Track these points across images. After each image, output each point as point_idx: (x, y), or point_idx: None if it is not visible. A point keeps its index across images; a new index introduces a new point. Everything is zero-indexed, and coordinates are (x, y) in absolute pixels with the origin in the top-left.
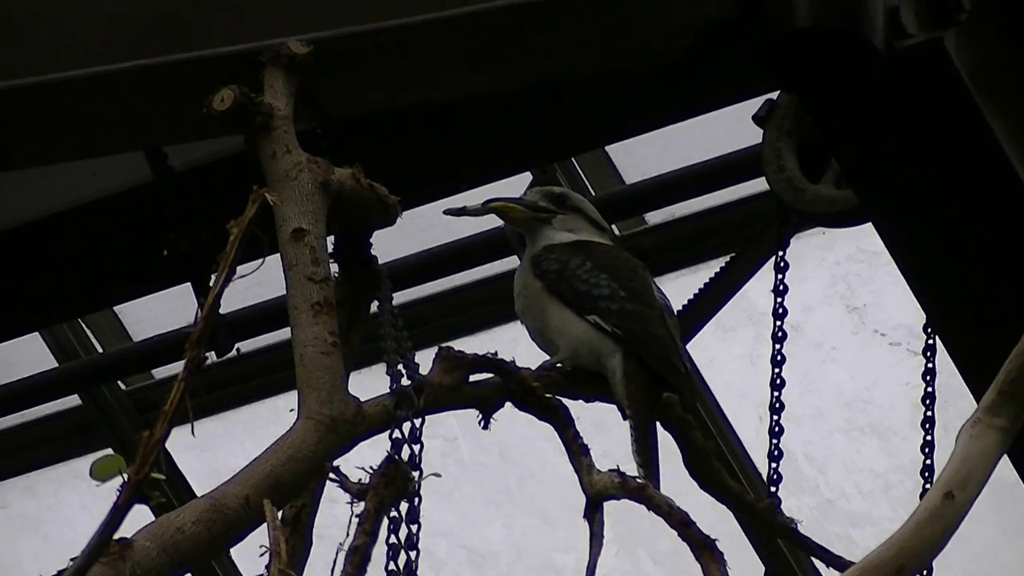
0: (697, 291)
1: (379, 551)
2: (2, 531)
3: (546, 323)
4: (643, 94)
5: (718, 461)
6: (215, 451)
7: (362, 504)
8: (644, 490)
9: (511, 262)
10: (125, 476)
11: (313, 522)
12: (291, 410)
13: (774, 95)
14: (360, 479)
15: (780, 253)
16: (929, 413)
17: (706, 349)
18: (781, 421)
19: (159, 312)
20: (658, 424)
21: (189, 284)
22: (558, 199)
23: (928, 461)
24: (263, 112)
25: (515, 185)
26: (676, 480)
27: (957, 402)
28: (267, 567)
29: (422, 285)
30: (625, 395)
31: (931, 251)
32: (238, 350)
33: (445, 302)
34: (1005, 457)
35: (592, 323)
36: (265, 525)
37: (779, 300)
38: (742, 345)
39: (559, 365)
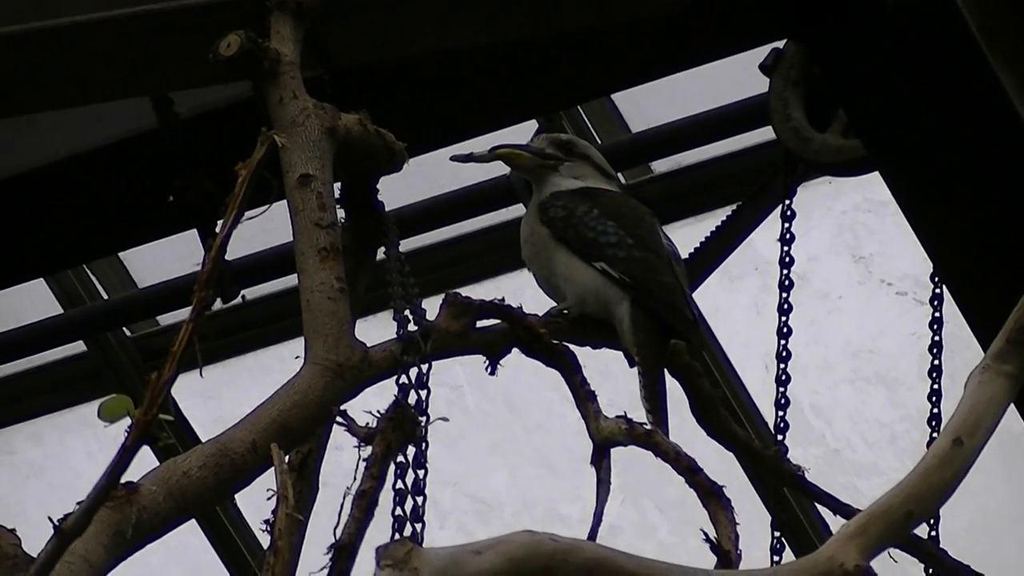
0: (703, 240)
1: (385, 497)
2: (7, 478)
3: (553, 270)
4: (649, 43)
5: (725, 409)
6: (220, 399)
7: (369, 448)
8: (651, 436)
9: (518, 210)
10: (133, 417)
11: (319, 468)
12: (296, 357)
13: (781, 44)
14: (367, 423)
15: (786, 202)
16: (936, 362)
17: (712, 298)
18: (787, 370)
19: (164, 259)
20: (665, 371)
21: (194, 231)
22: (565, 146)
23: (935, 410)
24: (270, 58)
25: (521, 133)
26: (683, 428)
27: (963, 352)
28: (274, 511)
29: (428, 233)
30: (633, 342)
31: (938, 200)
32: (243, 297)
33: (451, 250)
34: (1012, 409)
35: (600, 270)
36: (271, 470)
37: (785, 249)
38: (748, 294)
39: (566, 312)
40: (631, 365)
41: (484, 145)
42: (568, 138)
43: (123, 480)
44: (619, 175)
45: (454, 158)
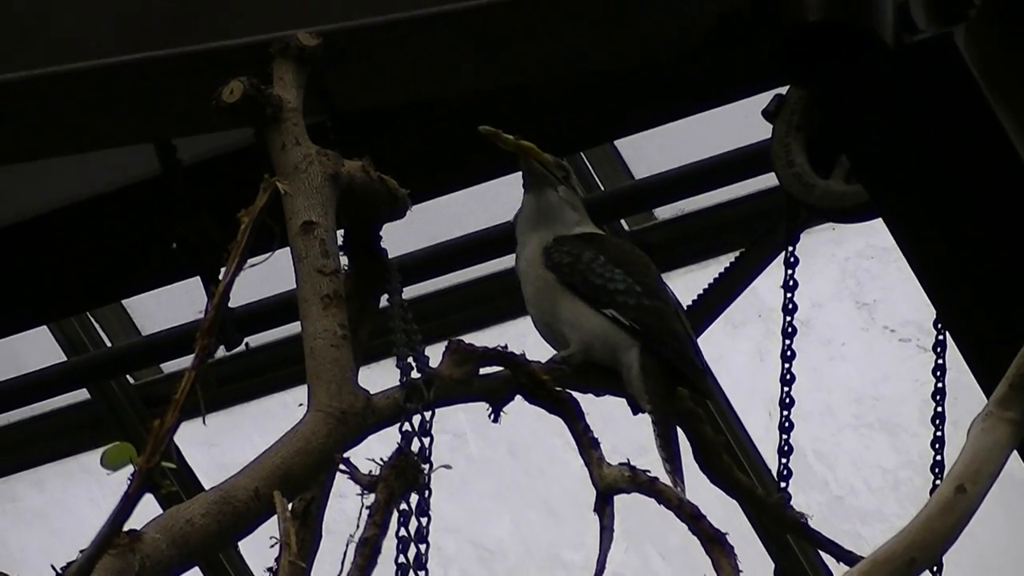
0: (706, 286)
1: (388, 544)
2: (11, 525)
3: (557, 316)
4: (652, 88)
5: (728, 456)
6: (223, 446)
7: (372, 496)
8: (654, 483)
9: None
10: (135, 465)
11: (323, 515)
12: (300, 405)
13: (783, 90)
14: (370, 471)
15: (789, 249)
16: (939, 409)
17: (715, 344)
18: (790, 417)
19: (168, 306)
20: None
21: (198, 278)
22: (566, 174)
23: (938, 457)
24: (273, 104)
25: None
26: (686, 475)
27: (966, 399)
28: (277, 558)
29: (431, 279)
30: (644, 390)
31: (940, 246)
32: (247, 344)
33: (454, 296)
34: (1015, 455)
35: (609, 317)
36: (274, 517)
37: (788, 296)
38: (751, 341)
39: (568, 358)
40: (635, 412)
41: (488, 192)
42: (567, 167)
43: (126, 528)
44: (622, 221)
45: (482, 129)
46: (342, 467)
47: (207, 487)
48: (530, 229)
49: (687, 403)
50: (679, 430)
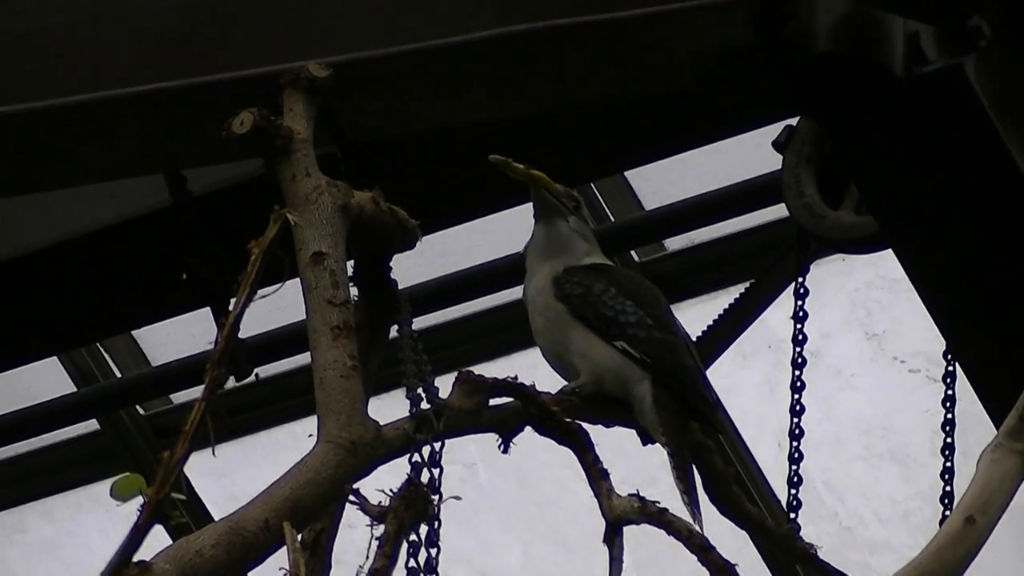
0: (716, 317)
1: (398, 575)
2: (21, 556)
3: (568, 346)
4: (663, 120)
5: (737, 486)
6: (233, 476)
7: (382, 527)
8: (664, 515)
9: None
10: (145, 496)
11: (332, 546)
12: (309, 435)
13: (793, 121)
14: (380, 501)
15: (799, 279)
16: (949, 440)
17: (725, 375)
18: (800, 448)
19: (178, 337)
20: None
21: (208, 309)
22: (576, 204)
23: (947, 488)
24: (283, 135)
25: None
26: None
27: (976, 429)
28: None
29: (441, 310)
30: (658, 422)
31: (951, 277)
32: (256, 375)
33: (464, 327)
34: None
35: (619, 349)
36: (284, 548)
37: (798, 327)
38: (761, 372)
39: (578, 389)
40: (644, 443)
41: (498, 223)
42: (578, 198)
43: (136, 559)
44: (632, 252)
45: (492, 159)
46: (352, 498)
47: (217, 518)
48: (540, 259)
49: (697, 435)
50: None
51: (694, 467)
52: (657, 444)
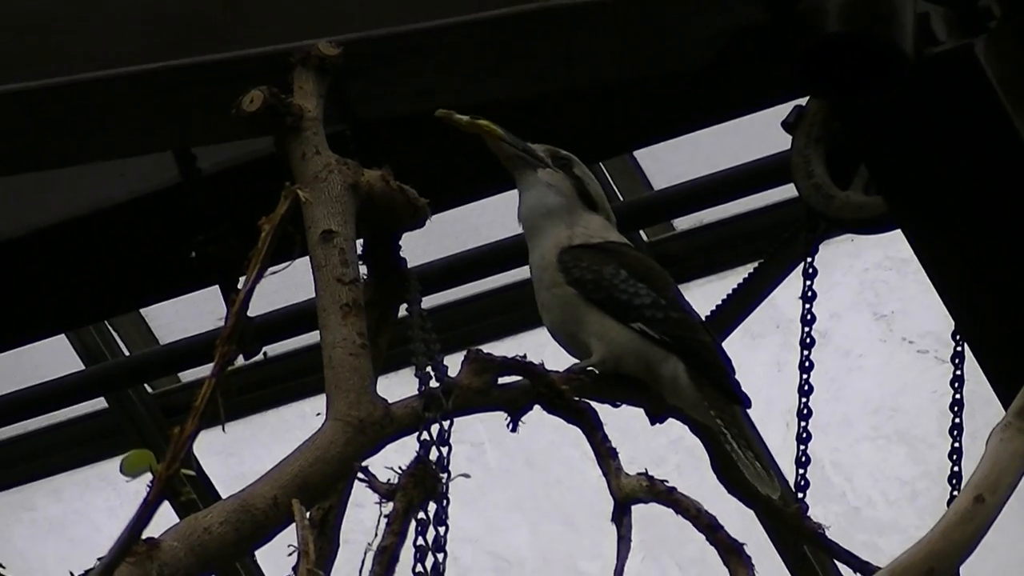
0: (725, 297)
1: (406, 554)
2: (28, 534)
3: (582, 328)
4: (672, 99)
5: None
6: (241, 455)
7: (390, 505)
8: (672, 494)
9: None
10: (155, 472)
11: (340, 524)
12: (318, 414)
13: (803, 101)
14: (388, 480)
15: (808, 260)
16: (957, 420)
17: (734, 355)
18: (808, 428)
19: (186, 315)
20: (688, 428)
21: (216, 287)
22: (559, 159)
23: (956, 468)
24: (293, 113)
25: None
26: (703, 486)
27: (984, 410)
28: (295, 567)
29: (450, 289)
30: (701, 397)
31: (959, 258)
32: (265, 353)
33: (473, 306)
34: None
35: (637, 331)
36: (292, 526)
37: (807, 307)
38: (769, 352)
39: (589, 369)
40: (652, 423)
41: (507, 202)
42: (567, 155)
43: (144, 536)
44: (641, 232)
45: (438, 113)
46: (360, 476)
47: (225, 496)
48: (532, 226)
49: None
50: (701, 442)
51: (704, 446)
52: (664, 424)
